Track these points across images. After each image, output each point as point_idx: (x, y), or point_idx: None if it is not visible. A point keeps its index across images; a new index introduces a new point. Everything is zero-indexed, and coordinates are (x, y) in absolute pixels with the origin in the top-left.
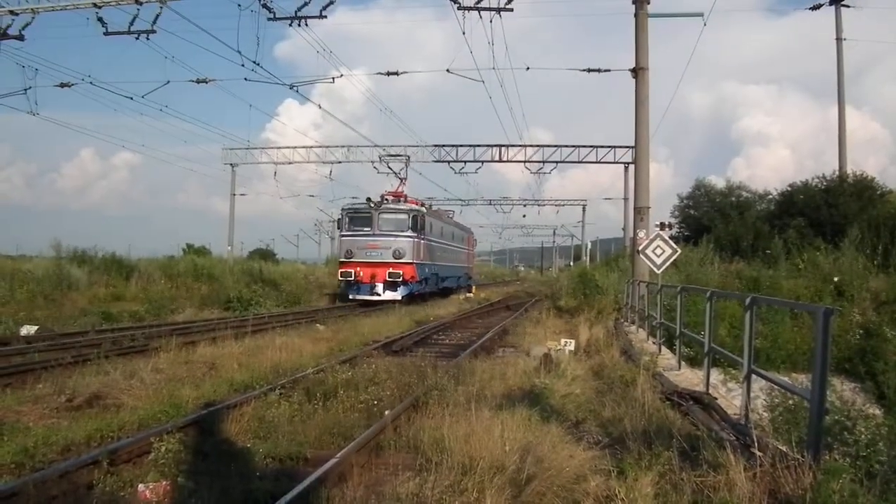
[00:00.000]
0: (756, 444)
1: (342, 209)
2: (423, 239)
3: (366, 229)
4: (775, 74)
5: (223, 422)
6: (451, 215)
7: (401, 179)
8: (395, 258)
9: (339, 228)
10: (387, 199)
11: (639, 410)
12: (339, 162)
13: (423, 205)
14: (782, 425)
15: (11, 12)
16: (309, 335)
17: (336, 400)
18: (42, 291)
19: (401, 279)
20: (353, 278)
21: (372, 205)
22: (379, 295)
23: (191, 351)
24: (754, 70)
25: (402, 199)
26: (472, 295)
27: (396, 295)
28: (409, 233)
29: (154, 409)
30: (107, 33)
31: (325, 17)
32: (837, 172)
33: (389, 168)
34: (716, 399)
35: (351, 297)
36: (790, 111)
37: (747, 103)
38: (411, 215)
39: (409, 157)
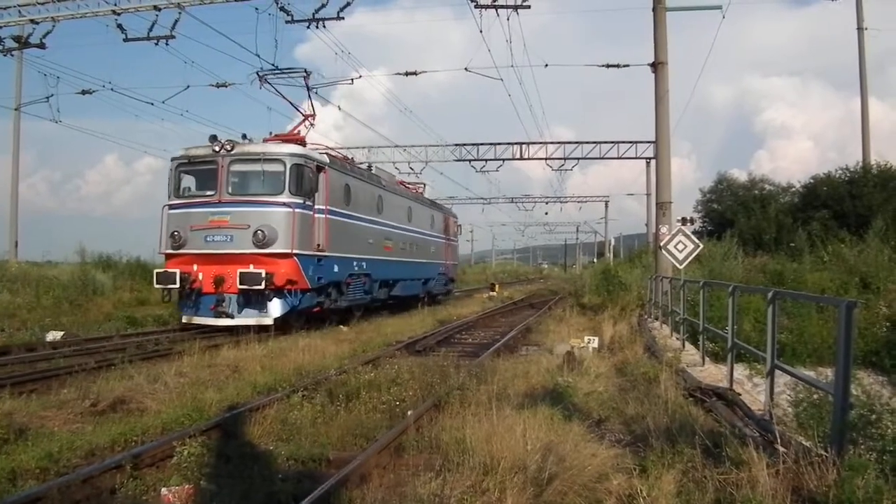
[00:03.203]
0: (779, 441)
1: (172, 159)
2: (320, 211)
3: (208, 193)
4: (797, 66)
5: (246, 424)
6: (419, 189)
7: (305, 117)
8: (258, 245)
9: (168, 197)
10: (250, 140)
11: (662, 407)
12: (361, 163)
13: (345, 159)
14: (807, 421)
15: (32, 21)
16: (332, 336)
17: (358, 401)
18: (67, 297)
19: (266, 285)
20: (181, 285)
21: (217, 148)
22: (230, 316)
23: (214, 354)
24: (776, 62)
25: (298, 143)
26: (495, 294)
27: (265, 316)
28: (286, 197)
29: (177, 412)
30: (126, 39)
31: (343, 18)
32: (861, 164)
33: (277, 91)
34: (739, 395)
35: (185, 318)
36: (813, 103)
37: (769, 96)
38: (291, 164)
39: (309, 73)
